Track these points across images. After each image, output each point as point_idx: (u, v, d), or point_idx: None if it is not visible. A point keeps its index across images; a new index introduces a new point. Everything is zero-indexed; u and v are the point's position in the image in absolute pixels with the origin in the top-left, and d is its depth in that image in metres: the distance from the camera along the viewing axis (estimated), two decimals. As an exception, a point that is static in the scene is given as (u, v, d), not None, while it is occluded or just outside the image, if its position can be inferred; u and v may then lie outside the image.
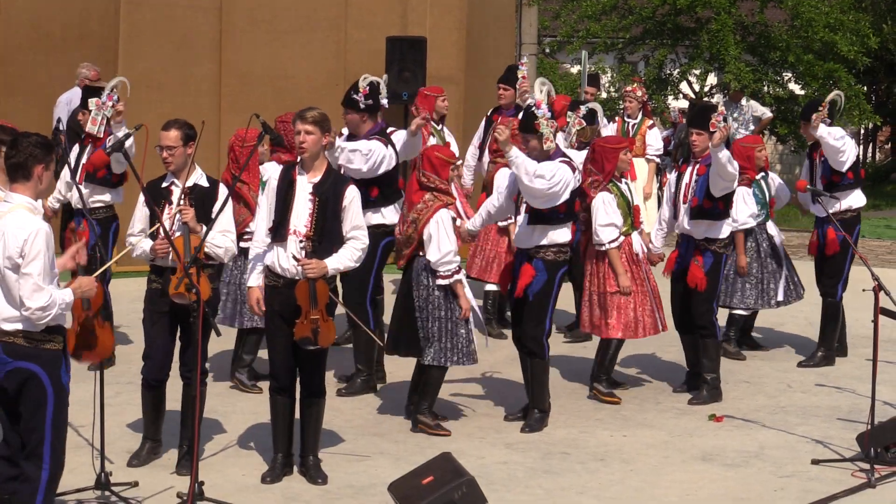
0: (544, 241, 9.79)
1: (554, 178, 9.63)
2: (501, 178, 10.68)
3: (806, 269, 12.55)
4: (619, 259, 10.43)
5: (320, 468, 8.66)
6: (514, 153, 9.60)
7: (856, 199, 11.75)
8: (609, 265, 10.45)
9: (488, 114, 13.30)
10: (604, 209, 10.40)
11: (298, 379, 8.60)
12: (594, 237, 10.46)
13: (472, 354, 9.66)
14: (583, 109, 12.20)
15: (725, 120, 10.43)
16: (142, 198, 8.63)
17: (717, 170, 10.35)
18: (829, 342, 11.96)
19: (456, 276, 9.53)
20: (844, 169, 11.58)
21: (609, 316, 10.50)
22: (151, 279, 8.70)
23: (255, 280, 8.50)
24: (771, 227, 12.08)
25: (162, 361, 8.73)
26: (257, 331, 10.52)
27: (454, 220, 9.77)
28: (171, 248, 8.25)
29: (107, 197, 11.26)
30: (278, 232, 8.39)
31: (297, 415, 8.71)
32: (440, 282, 9.51)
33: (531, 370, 9.95)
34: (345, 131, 10.86)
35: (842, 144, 11.49)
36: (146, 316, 8.76)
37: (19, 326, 6.71)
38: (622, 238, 10.46)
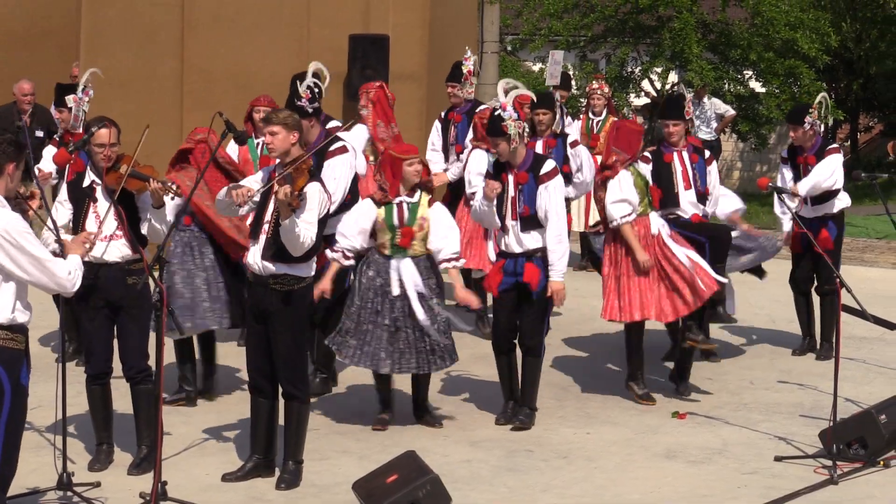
0: (541, 245, 9.82)
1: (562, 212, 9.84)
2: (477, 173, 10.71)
3: (777, 266, 12.54)
4: (633, 234, 10.41)
5: (297, 475, 8.51)
6: (560, 271, 9.74)
7: (842, 199, 11.98)
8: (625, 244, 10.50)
9: (442, 115, 13.24)
10: (618, 186, 10.41)
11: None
12: (607, 215, 10.49)
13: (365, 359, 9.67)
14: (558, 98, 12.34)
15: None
16: (63, 194, 8.72)
17: None
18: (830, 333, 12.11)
19: (330, 253, 9.62)
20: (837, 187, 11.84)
21: (629, 299, 10.48)
22: (85, 276, 8.66)
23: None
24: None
25: (105, 355, 8.70)
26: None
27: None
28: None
29: None
30: (254, 231, 8.43)
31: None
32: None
33: (529, 369, 9.94)
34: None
35: (833, 182, 11.73)
36: (81, 313, 8.74)
37: None
38: (634, 215, 10.43)
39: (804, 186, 11.61)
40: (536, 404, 10.03)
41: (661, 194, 10.80)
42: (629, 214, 10.40)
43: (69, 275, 6.82)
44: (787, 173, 11.97)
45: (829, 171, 11.69)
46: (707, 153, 11.21)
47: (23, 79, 14.17)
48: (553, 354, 11.72)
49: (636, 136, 10.60)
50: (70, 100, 10.95)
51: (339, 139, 10.36)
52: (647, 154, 10.94)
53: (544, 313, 9.91)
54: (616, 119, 15.28)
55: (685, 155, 10.92)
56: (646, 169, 10.76)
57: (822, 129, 12.26)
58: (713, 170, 11.12)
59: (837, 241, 11.88)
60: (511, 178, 9.78)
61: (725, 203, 11.45)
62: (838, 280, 8.88)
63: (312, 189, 8.28)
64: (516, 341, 10.00)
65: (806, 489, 8.43)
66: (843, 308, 8.88)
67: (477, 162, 12.04)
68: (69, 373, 8.40)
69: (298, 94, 10.34)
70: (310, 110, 10.24)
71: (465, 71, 12.93)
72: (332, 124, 10.95)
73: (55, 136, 11.38)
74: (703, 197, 10.97)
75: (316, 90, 10.34)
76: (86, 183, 8.63)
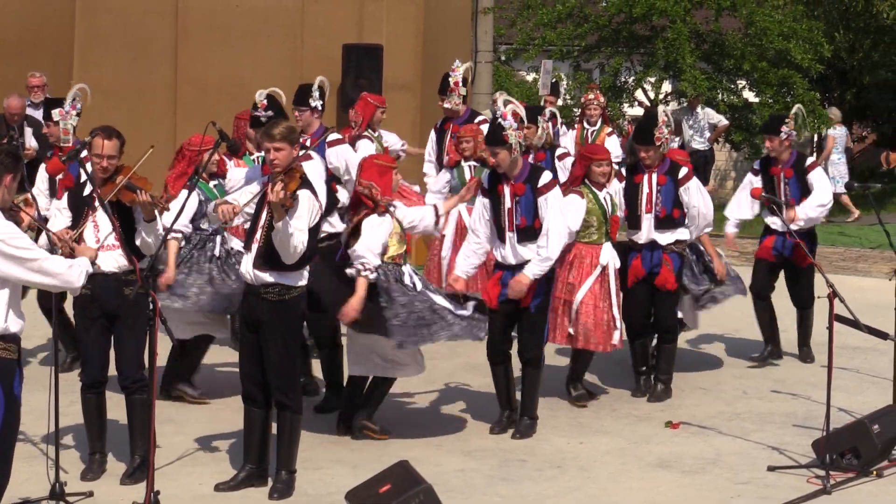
0: None
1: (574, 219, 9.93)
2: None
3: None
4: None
5: (290, 485, 8.49)
6: (533, 272, 9.62)
7: None
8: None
9: (438, 124, 13.23)
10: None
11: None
12: None
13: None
14: (547, 114, 12.29)
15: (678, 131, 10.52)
16: (63, 202, 8.70)
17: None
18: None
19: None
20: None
21: (568, 323, 10.56)
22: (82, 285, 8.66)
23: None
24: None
25: (101, 363, 8.70)
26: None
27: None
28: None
29: None
30: (247, 240, 8.42)
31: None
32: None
33: (528, 380, 9.92)
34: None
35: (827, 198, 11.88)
36: (78, 323, 8.76)
37: None
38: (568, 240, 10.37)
39: (813, 212, 11.75)
40: (536, 413, 10.05)
41: (627, 213, 10.91)
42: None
43: (70, 269, 6.80)
44: (756, 183, 11.92)
45: (828, 190, 11.80)
46: (683, 171, 10.89)
47: (14, 94, 14.12)
48: (546, 364, 11.69)
49: (586, 165, 10.56)
50: (56, 113, 10.93)
51: (304, 146, 10.47)
52: (622, 172, 10.98)
53: (542, 324, 9.90)
54: (610, 129, 15.32)
55: (654, 177, 10.86)
56: (619, 187, 10.80)
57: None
58: (689, 189, 10.85)
59: (811, 251, 11.81)
60: (507, 189, 9.78)
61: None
62: (831, 290, 8.87)
63: (303, 195, 8.27)
64: (513, 352, 9.99)
65: (799, 499, 8.43)
66: (837, 318, 8.88)
67: (439, 181, 12.27)
68: (62, 382, 8.37)
69: (255, 104, 10.44)
70: (263, 119, 10.30)
71: (451, 82, 12.93)
72: (332, 137, 10.98)
73: (47, 154, 11.35)
74: (666, 221, 10.80)
75: (275, 99, 10.46)
76: (86, 192, 8.63)
